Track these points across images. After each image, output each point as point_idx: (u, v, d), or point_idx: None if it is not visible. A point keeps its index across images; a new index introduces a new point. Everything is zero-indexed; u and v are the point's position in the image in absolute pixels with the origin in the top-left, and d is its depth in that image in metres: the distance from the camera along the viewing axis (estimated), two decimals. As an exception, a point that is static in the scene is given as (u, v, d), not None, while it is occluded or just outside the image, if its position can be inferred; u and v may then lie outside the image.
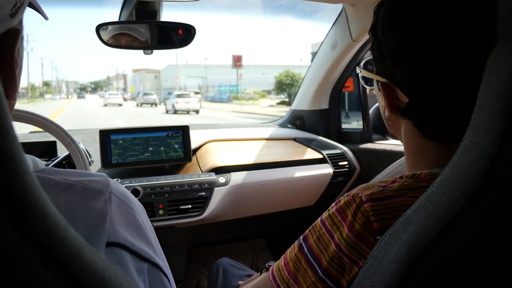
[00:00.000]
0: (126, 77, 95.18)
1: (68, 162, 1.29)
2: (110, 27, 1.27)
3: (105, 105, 36.00)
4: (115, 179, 1.34)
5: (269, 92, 41.33)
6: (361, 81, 0.80)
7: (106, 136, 1.51)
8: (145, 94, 37.59)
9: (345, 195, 0.61)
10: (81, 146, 1.24)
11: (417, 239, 0.48)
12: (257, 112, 23.74)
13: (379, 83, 0.64)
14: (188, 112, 25.19)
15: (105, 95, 43.36)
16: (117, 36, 1.29)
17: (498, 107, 0.44)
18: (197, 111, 25.50)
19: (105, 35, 1.29)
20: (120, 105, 36.66)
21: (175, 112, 25.11)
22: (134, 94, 52.87)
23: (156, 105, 34.99)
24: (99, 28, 1.23)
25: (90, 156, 1.32)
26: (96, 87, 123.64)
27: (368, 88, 0.79)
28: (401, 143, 0.69)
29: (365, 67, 0.73)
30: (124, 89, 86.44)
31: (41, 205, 0.26)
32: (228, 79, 43.33)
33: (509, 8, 0.46)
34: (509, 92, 0.43)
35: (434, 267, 0.48)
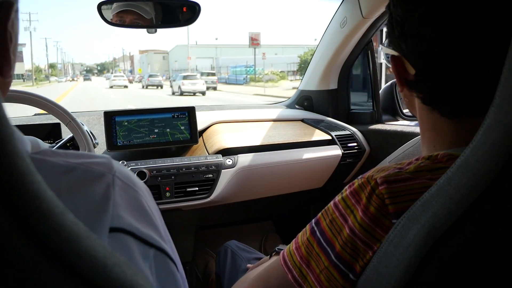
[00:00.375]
0: (133, 58, 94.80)
1: (72, 144, 1.28)
2: (113, 4, 1.24)
3: (111, 87, 36.19)
4: (120, 162, 1.32)
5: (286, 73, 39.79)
6: (385, 60, 0.78)
7: (110, 118, 1.49)
8: (150, 76, 37.81)
9: (359, 177, 0.58)
10: (85, 127, 1.23)
11: (436, 223, 0.46)
12: (282, 95, 20.49)
13: (389, 56, 0.63)
14: (194, 94, 24.98)
15: (110, 77, 43.57)
16: (121, 14, 1.26)
17: None
18: (203, 93, 25.24)
19: (108, 13, 1.26)
20: (125, 86, 36.88)
21: (182, 93, 24.90)
22: (142, 76, 52.71)
23: (161, 86, 35.01)
24: (101, 6, 1.20)
25: (95, 138, 1.30)
26: (102, 69, 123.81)
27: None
28: (412, 124, 0.68)
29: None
30: (131, 71, 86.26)
31: (35, 189, 0.24)
32: (242, 60, 41.08)
33: None
34: None
35: (454, 254, 0.45)
